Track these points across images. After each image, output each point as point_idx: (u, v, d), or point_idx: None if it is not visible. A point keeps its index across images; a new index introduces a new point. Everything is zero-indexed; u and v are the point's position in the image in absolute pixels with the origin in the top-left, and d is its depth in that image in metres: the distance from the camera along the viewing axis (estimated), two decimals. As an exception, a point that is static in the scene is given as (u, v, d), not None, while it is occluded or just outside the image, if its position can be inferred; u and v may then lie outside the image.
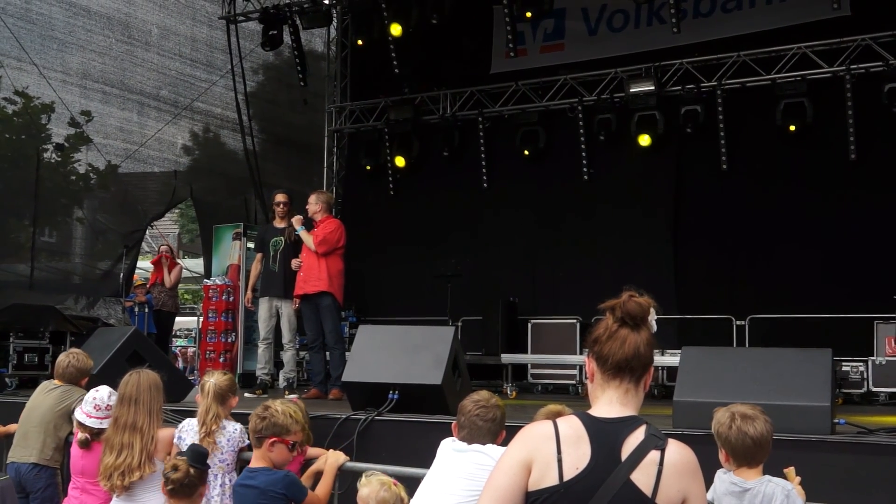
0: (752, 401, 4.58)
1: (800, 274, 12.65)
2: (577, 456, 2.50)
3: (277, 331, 10.58)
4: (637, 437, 2.52)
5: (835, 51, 12.78)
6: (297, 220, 10.14)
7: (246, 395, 9.72)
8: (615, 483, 2.46)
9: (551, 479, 2.49)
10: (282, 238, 10.41)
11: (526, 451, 2.55)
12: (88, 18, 13.88)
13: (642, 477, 2.47)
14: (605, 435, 2.53)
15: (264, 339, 10.57)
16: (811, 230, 12.80)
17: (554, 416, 4.55)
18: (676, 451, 2.54)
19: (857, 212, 12.57)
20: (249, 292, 11.23)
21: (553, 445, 2.52)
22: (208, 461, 5.26)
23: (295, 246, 10.34)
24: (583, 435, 2.53)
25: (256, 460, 5.03)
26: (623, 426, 2.55)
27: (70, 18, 13.65)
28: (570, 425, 2.56)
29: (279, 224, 10.66)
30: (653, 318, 2.64)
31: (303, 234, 10.06)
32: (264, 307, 10.56)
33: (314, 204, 10.22)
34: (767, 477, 4.12)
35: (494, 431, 4.53)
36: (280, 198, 10.62)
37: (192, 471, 4.82)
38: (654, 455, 2.49)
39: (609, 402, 2.61)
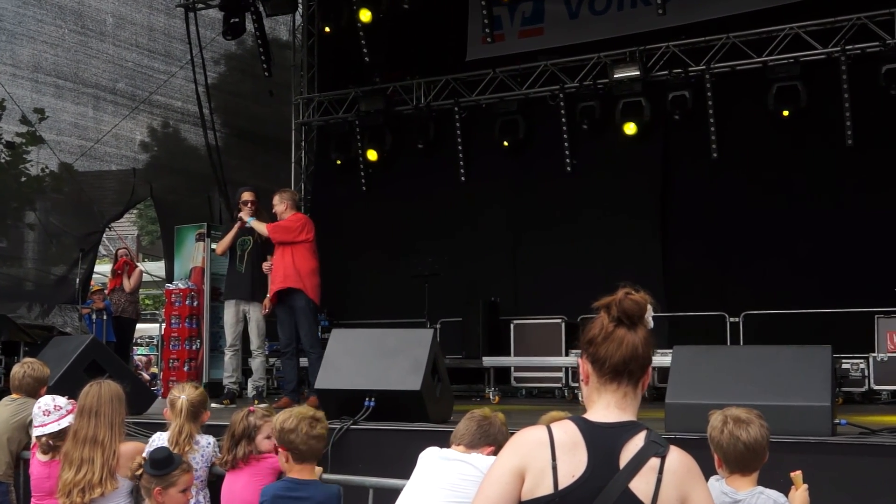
0: (748, 402, 4.58)
1: (796, 267, 12.71)
2: (573, 463, 2.48)
3: (245, 336, 10.50)
4: (636, 443, 2.51)
5: (829, 31, 12.83)
6: (246, 212, 10.10)
7: (213, 405, 9.63)
8: (613, 492, 2.44)
9: (546, 488, 2.47)
10: (250, 238, 10.27)
11: (518, 458, 2.53)
12: (39, 8, 13.74)
13: (641, 485, 2.46)
14: (602, 441, 2.51)
15: (231, 346, 10.42)
16: (807, 220, 12.86)
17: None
18: (677, 459, 2.52)
19: (854, 200, 12.65)
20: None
21: (547, 452, 2.50)
22: None
23: (264, 247, 10.26)
24: (579, 441, 2.51)
25: (301, 472, 4.99)
26: (622, 432, 2.53)
27: (19, 8, 13.51)
28: (566, 431, 2.54)
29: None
30: (650, 315, 2.62)
31: (254, 223, 10.03)
32: (230, 311, 10.43)
33: (279, 204, 10.14)
34: (760, 488, 4.09)
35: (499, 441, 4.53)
36: (246, 196, 10.41)
37: (140, 471, 4.81)
38: (653, 462, 2.48)
39: (606, 407, 2.59)
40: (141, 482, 4.89)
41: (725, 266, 13.34)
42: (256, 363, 10.42)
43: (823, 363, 6.20)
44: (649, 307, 2.62)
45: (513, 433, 2.69)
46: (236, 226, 10.18)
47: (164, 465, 4.91)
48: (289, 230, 9.89)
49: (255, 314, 10.29)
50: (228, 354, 10.49)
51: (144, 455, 4.92)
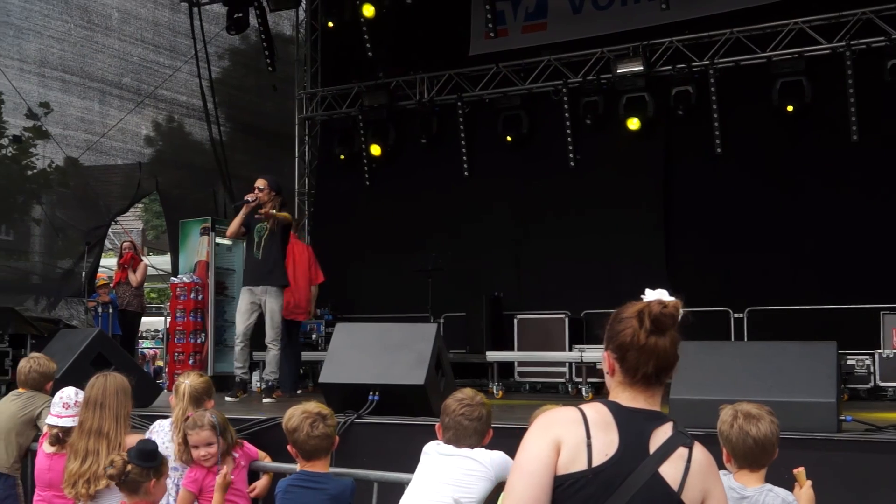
0: (752, 397, 4.57)
1: (800, 262, 12.68)
2: (606, 442, 2.50)
3: (258, 328, 10.19)
4: (665, 431, 2.56)
5: (834, 25, 12.78)
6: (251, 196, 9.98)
7: (226, 398, 9.60)
8: (643, 474, 2.48)
9: (580, 464, 2.49)
10: (265, 224, 10.02)
11: (554, 432, 2.54)
12: (45, 3, 13.76)
13: (670, 471, 2.50)
14: (632, 424, 2.55)
15: (243, 336, 10.02)
16: (811, 216, 12.81)
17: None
18: (702, 453, 2.58)
19: (859, 196, 12.60)
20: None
21: (582, 429, 2.51)
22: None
23: (282, 234, 10.11)
24: (611, 422, 2.54)
25: (313, 467, 5.01)
26: (651, 418, 2.58)
27: (26, 3, 13.52)
28: (598, 411, 2.57)
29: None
30: (680, 315, 2.63)
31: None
32: (244, 299, 10.07)
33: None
34: (768, 486, 4.06)
35: (481, 431, 4.51)
36: (259, 183, 10.13)
37: (129, 467, 4.74)
38: (682, 451, 2.54)
39: (634, 399, 2.62)
40: (127, 480, 4.76)
41: (729, 261, 13.27)
42: (269, 356, 10.06)
43: (829, 359, 6.16)
44: (681, 315, 2.62)
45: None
46: (244, 209, 9.96)
47: (154, 455, 4.89)
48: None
49: (271, 304, 9.96)
50: (238, 347, 10.08)
51: (123, 454, 4.85)
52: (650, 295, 2.65)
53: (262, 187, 9.99)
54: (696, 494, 2.53)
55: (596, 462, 2.48)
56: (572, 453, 2.49)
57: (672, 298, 2.63)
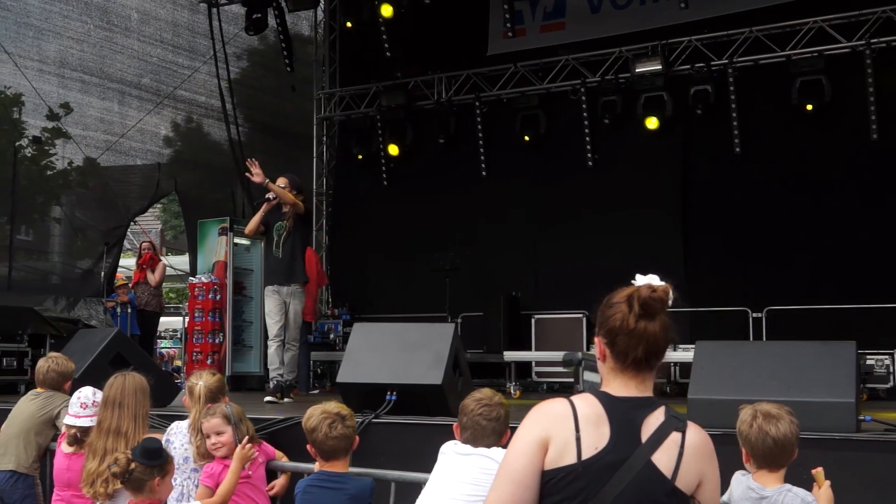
0: (771, 397, 4.55)
1: (819, 262, 12.62)
2: (597, 435, 2.52)
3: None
4: (657, 417, 2.56)
5: (853, 24, 12.72)
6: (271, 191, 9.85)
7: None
8: (636, 464, 2.49)
9: (570, 458, 2.51)
10: (285, 223, 9.94)
11: (541, 429, 2.56)
12: (65, 4, 13.82)
13: (663, 458, 2.52)
14: (624, 414, 2.56)
15: (276, 337, 9.89)
16: (831, 215, 12.75)
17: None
18: (696, 434, 2.60)
19: (879, 195, 12.53)
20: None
21: (571, 424, 2.53)
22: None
23: (302, 231, 10.15)
24: (601, 414, 2.55)
25: (333, 467, 5.02)
26: (643, 405, 2.59)
27: (46, 4, 13.58)
28: (588, 403, 2.58)
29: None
30: (670, 299, 2.63)
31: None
32: (272, 300, 9.97)
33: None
34: (788, 486, 4.05)
35: (499, 431, 4.51)
36: (280, 182, 10.05)
37: (133, 465, 4.75)
38: (675, 437, 2.55)
39: (625, 385, 2.62)
40: (131, 478, 4.75)
41: (748, 261, 13.22)
42: (289, 356, 9.92)
43: (848, 359, 6.13)
44: (671, 292, 2.63)
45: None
46: (264, 206, 9.90)
47: (158, 454, 4.89)
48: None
49: (295, 304, 9.93)
50: (273, 346, 9.93)
51: (127, 453, 4.86)
52: (640, 280, 2.66)
53: (283, 185, 9.95)
54: (692, 478, 2.54)
55: (585, 455, 2.50)
56: (561, 449, 2.51)
57: (662, 283, 2.64)
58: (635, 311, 2.59)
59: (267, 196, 9.87)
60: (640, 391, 2.62)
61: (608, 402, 2.57)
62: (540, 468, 2.53)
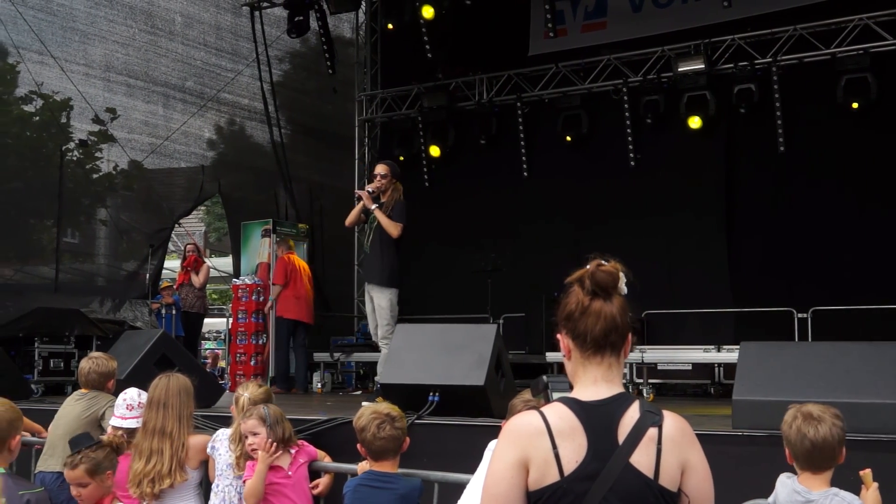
0: (817, 398, 4.51)
1: (865, 262, 12.47)
2: (574, 448, 2.48)
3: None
4: (632, 415, 2.53)
5: (899, 21, 12.56)
6: (370, 186, 9.54)
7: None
8: (615, 468, 2.46)
9: (552, 477, 2.47)
10: (375, 217, 9.49)
11: (519, 450, 2.51)
12: (110, 8, 13.97)
13: (643, 458, 2.48)
14: (598, 420, 2.51)
15: (374, 336, 9.69)
16: (876, 214, 12.61)
17: (531, 405, 4.52)
18: (673, 424, 2.55)
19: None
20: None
21: (547, 441, 2.49)
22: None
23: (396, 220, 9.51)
24: (575, 425, 2.50)
25: (381, 467, 5.10)
26: (615, 406, 2.54)
27: (92, 9, 13.74)
28: (560, 416, 2.53)
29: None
30: (623, 283, 2.62)
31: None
32: (367, 298, 9.76)
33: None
34: (834, 490, 3.99)
35: None
36: (380, 170, 9.62)
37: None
38: (652, 433, 2.51)
39: (594, 382, 2.59)
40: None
41: (793, 261, 13.09)
42: (380, 355, 9.56)
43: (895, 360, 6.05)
44: (622, 275, 2.62)
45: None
46: (364, 198, 9.48)
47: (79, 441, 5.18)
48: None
49: (378, 299, 9.51)
50: (382, 345, 9.52)
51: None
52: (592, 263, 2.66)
53: (383, 174, 9.54)
54: (675, 472, 2.50)
55: (567, 470, 2.46)
56: (542, 468, 2.47)
57: (611, 261, 2.64)
58: (587, 287, 2.60)
59: (366, 188, 9.58)
60: (610, 385, 2.57)
61: (579, 409, 2.52)
62: (524, 488, 2.49)
